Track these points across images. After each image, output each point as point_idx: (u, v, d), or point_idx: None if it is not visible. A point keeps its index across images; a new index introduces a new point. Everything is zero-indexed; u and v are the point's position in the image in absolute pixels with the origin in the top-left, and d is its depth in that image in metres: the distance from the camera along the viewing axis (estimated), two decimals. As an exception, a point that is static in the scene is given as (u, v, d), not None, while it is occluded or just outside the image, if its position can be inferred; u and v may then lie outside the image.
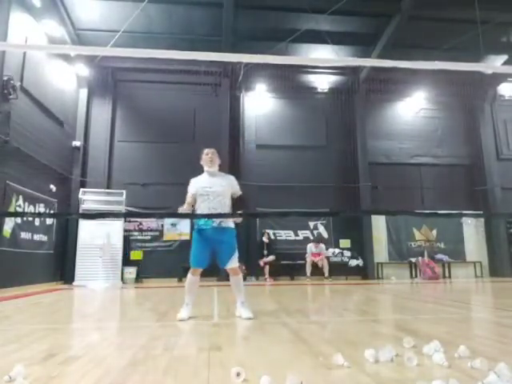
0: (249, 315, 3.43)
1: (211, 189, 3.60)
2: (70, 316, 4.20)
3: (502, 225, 11.31)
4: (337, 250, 10.77)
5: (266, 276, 9.86)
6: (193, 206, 3.66)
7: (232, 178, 3.80)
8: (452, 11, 9.17)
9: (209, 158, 3.72)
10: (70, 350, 2.35)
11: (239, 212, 3.87)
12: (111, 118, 10.87)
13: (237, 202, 3.75)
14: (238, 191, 3.78)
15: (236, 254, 3.62)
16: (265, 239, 10.36)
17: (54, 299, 5.82)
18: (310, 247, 10.18)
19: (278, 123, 11.54)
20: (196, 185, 3.70)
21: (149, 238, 10.35)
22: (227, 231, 3.58)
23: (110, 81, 10.95)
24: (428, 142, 11.87)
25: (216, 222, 3.54)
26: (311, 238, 10.72)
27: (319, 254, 10.08)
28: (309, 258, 9.95)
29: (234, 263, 3.59)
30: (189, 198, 3.66)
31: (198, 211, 3.62)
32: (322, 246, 10.31)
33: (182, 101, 11.07)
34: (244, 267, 9.98)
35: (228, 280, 3.71)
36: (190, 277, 3.61)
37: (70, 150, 10.08)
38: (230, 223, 3.63)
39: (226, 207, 3.65)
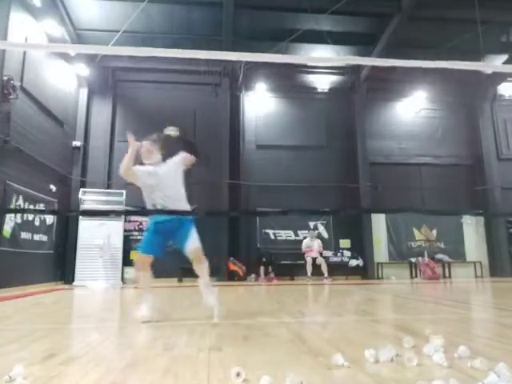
0: (212, 303, 3.29)
1: (155, 181, 3.38)
2: (70, 316, 4.19)
3: (501, 225, 11.32)
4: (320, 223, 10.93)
5: (272, 275, 9.91)
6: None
7: (176, 158, 3.51)
8: (452, 11, 9.19)
9: (146, 150, 3.47)
10: (69, 349, 2.35)
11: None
12: (111, 118, 10.86)
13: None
14: (188, 159, 3.50)
15: (195, 233, 3.36)
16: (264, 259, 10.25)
17: (54, 299, 5.82)
18: (306, 242, 10.17)
19: (278, 123, 11.53)
20: (142, 175, 3.43)
21: (149, 238, 10.34)
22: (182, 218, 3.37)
23: (110, 81, 10.95)
24: (428, 142, 11.87)
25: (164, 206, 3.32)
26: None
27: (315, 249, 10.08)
28: (309, 258, 9.92)
29: (194, 243, 3.33)
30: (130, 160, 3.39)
31: (147, 201, 3.44)
32: (315, 235, 10.34)
33: (182, 101, 11.05)
34: (244, 267, 10.02)
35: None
36: (139, 273, 3.36)
37: (69, 150, 10.08)
38: (183, 206, 3.41)
39: (179, 195, 3.43)
